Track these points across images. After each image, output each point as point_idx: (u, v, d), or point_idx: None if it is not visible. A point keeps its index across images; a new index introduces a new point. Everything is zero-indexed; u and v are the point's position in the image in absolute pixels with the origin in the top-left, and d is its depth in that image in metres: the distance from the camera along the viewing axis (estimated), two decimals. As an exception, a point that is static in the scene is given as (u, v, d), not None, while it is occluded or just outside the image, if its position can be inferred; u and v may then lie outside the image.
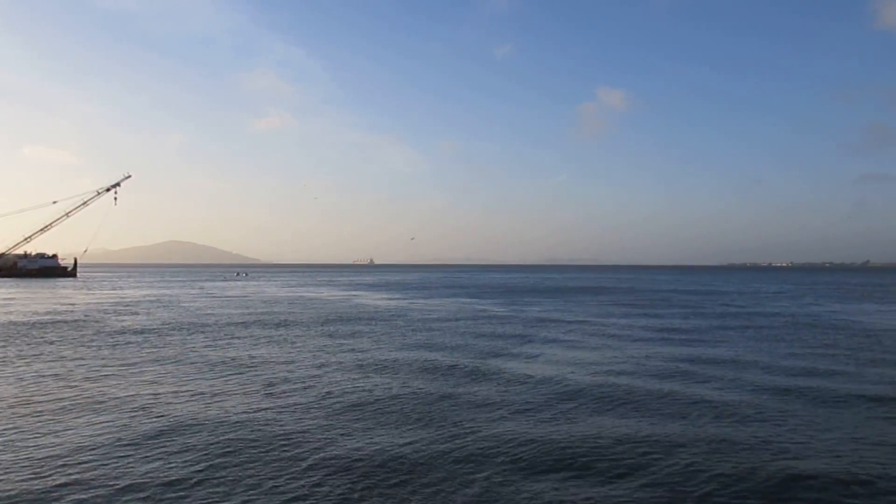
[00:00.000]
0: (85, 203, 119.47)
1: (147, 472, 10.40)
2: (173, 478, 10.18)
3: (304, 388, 17.59)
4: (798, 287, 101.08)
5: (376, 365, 21.61)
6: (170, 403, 15.46)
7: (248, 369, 20.59)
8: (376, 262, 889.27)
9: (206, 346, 25.97)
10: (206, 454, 11.40)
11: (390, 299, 62.32)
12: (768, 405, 15.72)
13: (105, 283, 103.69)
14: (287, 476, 10.35)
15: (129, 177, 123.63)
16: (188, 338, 28.78)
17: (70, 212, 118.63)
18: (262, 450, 11.70)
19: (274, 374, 19.81)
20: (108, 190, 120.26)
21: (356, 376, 19.46)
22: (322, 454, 11.48)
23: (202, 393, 16.79)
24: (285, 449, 11.78)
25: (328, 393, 16.92)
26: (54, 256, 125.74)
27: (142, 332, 31.04)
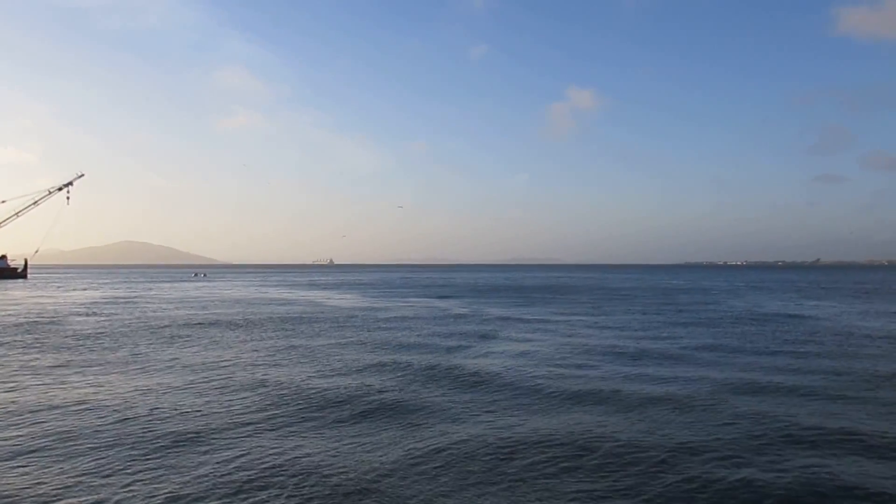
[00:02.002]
0: (36, 202, 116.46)
1: (80, 471, 10.77)
2: (106, 472, 10.59)
3: (254, 386, 17.99)
4: (747, 285, 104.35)
5: (317, 367, 22.06)
6: (112, 405, 15.73)
7: (194, 371, 20.86)
8: (336, 262, 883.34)
9: (155, 348, 26.04)
10: (141, 450, 11.81)
11: (346, 299, 62.56)
12: (703, 398, 16.74)
13: (56, 284, 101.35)
14: (222, 477, 10.81)
15: (83, 175, 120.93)
16: (137, 340, 28.76)
17: (20, 211, 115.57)
18: (195, 449, 12.15)
19: (220, 375, 20.14)
20: (60, 189, 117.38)
21: (303, 377, 19.90)
22: (255, 457, 11.94)
23: (149, 393, 17.07)
24: (220, 450, 12.25)
25: (278, 394, 17.34)
26: (3, 257, 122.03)
27: (89, 335, 30.83)
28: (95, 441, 12.39)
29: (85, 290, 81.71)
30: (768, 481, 10.22)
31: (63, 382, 18.49)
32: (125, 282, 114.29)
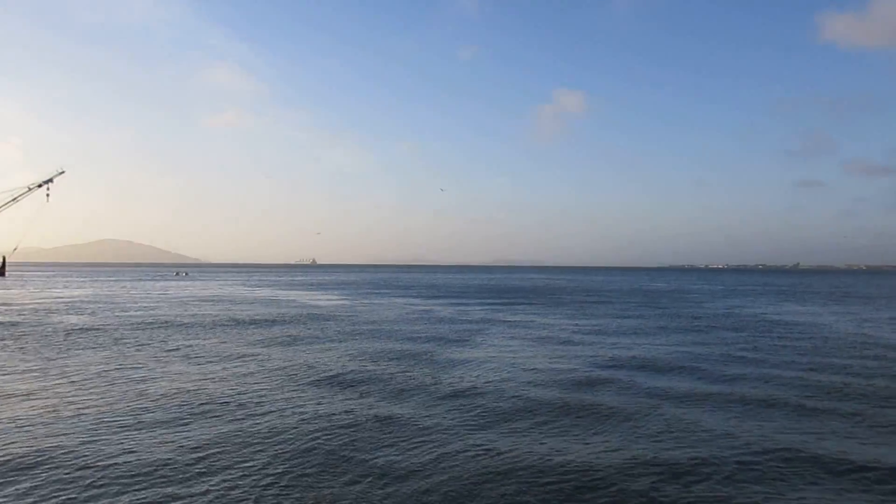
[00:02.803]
0: (15, 199, 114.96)
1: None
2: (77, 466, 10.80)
3: (225, 388, 18.21)
4: (725, 289, 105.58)
5: (296, 370, 22.30)
6: (91, 404, 15.89)
7: (166, 372, 21.02)
8: (319, 261, 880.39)
9: (135, 349, 26.13)
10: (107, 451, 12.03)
11: (327, 299, 62.62)
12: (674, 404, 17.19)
13: (36, 283, 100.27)
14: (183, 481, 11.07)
15: (63, 172, 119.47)
16: (116, 340, 28.78)
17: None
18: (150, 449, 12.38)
19: (193, 375, 20.32)
20: (40, 186, 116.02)
21: (279, 383, 20.12)
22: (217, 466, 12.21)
23: (125, 394, 17.24)
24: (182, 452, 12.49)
25: (248, 398, 17.55)
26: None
27: (69, 334, 30.78)
28: (70, 449, 12.57)
29: (65, 288, 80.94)
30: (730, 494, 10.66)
31: (43, 382, 18.58)
32: (106, 280, 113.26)
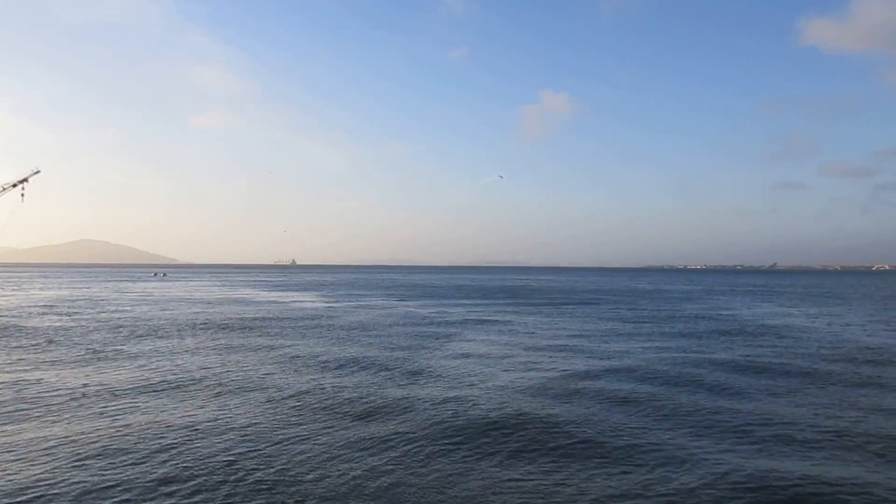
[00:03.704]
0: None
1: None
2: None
3: (195, 389, 18.27)
4: (703, 289, 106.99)
5: (269, 374, 22.37)
6: (64, 405, 15.89)
7: (148, 369, 21.01)
8: (299, 262, 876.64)
9: (111, 348, 26.02)
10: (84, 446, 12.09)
11: (305, 300, 62.50)
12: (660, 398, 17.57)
13: (10, 284, 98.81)
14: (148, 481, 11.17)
15: (38, 172, 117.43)
16: (92, 341, 28.61)
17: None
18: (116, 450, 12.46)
19: (161, 375, 20.34)
20: (14, 185, 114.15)
21: (256, 385, 20.20)
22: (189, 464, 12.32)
23: (101, 391, 17.24)
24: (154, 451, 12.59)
25: (221, 404, 17.63)
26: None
27: (43, 336, 30.55)
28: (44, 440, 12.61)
29: (41, 289, 79.92)
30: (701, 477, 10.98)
31: (16, 382, 18.50)
32: (83, 281, 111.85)
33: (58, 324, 35.65)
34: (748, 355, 25.71)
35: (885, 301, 69.94)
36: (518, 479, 10.73)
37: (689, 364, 23.26)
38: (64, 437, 12.74)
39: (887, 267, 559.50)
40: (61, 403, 15.83)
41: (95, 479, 10.40)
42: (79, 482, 10.23)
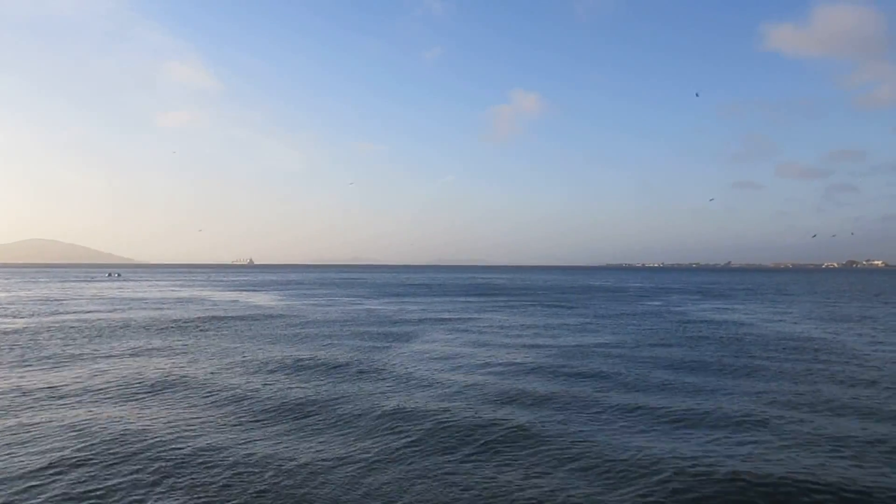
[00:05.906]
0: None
1: None
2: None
3: (149, 391, 18.37)
4: (656, 286, 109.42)
5: (223, 372, 22.51)
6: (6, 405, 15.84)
7: (93, 369, 20.95)
8: (256, 262, 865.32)
9: (59, 350, 25.73)
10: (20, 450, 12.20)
11: (258, 300, 62.11)
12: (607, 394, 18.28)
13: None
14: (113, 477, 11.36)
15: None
16: (34, 343, 28.22)
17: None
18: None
19: (115, 375, 20.34)
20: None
21: (209, 382, 20.34)
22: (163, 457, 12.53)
23: (52, 394, 17.20)
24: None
25: (174, 401, 17.76)
26: None
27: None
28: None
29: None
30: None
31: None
32: (31, 282, 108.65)
33: (2, 326, 34.91)
34: (687, 350, 26.87)
35: (826, 296, 72.91)
36: (460, 478, 11.27)
37: (624, 360, 24.24)
38: (5, 445, 12.81)
39: (836, 265, 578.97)
40: (1, 407, 15.80)
41: (40, 485, 10.57)
42: (24, 489, 10.39)
